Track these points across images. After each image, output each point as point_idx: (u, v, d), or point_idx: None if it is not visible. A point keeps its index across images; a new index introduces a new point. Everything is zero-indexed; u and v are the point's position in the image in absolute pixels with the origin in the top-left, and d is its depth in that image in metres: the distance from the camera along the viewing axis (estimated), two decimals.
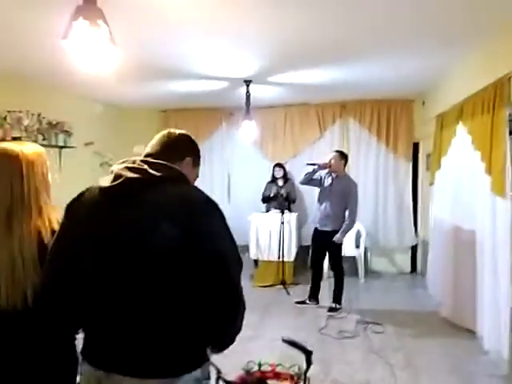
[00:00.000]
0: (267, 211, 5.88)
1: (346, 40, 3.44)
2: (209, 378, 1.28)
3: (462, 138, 3.98)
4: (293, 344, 1.78)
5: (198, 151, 1.43)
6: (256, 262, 5.66)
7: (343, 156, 4.50)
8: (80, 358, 1.30)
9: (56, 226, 1.48)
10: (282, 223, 5.31)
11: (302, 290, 5.01)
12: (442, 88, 4.85)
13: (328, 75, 4.57)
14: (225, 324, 1.21)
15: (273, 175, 5.99)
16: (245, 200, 6.34)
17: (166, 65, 4.08)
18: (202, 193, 1.25)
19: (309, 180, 4.59)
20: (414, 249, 6.15)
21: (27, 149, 1.51)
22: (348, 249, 5.54)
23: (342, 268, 4.57)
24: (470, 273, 3.74)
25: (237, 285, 1.20)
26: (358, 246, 5.85)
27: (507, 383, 3.00)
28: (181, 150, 1.37)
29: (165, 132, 1.42)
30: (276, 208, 5.66)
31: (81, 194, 1.30)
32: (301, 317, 4.36)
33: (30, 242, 1.43)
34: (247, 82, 4.73)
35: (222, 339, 1.26)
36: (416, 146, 6.02)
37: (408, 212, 5.97)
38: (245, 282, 1.27)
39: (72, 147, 5.18)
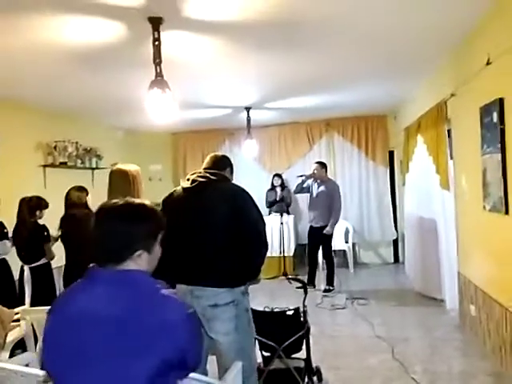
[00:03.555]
0: (268, 214, 6.87)
1: (328, 75, 4.44)
2: (248, 292, 2.26)
3: (421, 147, 5.00)
4: (294, 279, 2.76)
5: (232, 164, 2.44)
6: None
7: (323, 165, 5.65)
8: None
9: None
10: (282, 224, 6.31)
11: (302, 279, 5.97)
12: (407, 106, 5.93)
13: (314, 101, 5.63)
14: (256, 256, 2.21)
15: (272, 183, 7.01)
16: None
17: (182, 98, 5.10)
18: (240, 186, 2.26)
19: (301, 189, 5.74)
20: (395, 242, 7.15)
21: (131, 168, 2.51)
22: (338, 244, 6.55)
23: (332, 256, 5.58)
24: (432, 252, 4.74)
25: (262, 234, 2.20)
26: (347, 242, 6.84)
27: (456, 330, 3.98)
28: (223, 164, 2.38)
29: (212, 154, 2.45)
30: (276, 212, 6.65)
31: (171, 193, 2.31)
32: (301, 297, 5.31)
33: None
34: (247, 109, 5.78)
35: (254, 268, 2.25)
36: (391, 154, 7.08)
37: (388, 210, 7.00)
38: None
39: (102, 168, 6.16)
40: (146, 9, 2.55)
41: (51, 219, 3.80)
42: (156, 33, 2.68)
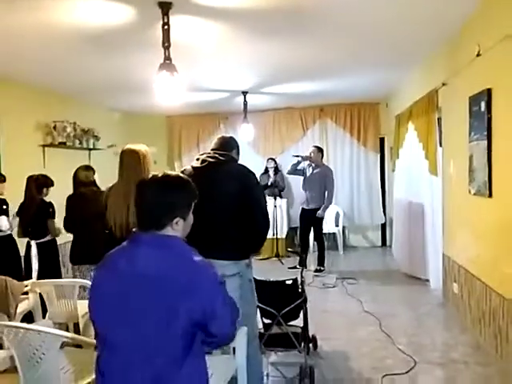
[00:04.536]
0: None
1: (322, 62, 4.58)
2: (251, 265, 2.44)
3: (411, 133, 5.20)
4: (293, 252, 2.95)
5: (239, 146, 2.59)
6: None
7: (320, 150, 5.89)
8: None
9: None
10: (275, 207, 6.50)
11: (293, 260, 6.19)
12: (399, 94, 6.11)
13: (309, 87, 5.76)
14: (259, 232, 2.38)
15: (266, 167, 7.17)
16: None
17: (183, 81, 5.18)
18: (246, 167, 2.42)
19: (294, 170, 5.91)
20: (383, 226, 7.41)
21: (141, 147, 2.64)
22: (329, 227, 6.77)
23: (323, 238, 5.83)
24: (420, 235, 4.99)
25: (265, 210, 2.38)
26: (337, 225, 7.08)
27: (440, 307, 4.25)
28: (230, 145, 2.53)
29: (220, 136, 2.60)
30: (269, 195, 6.81)
31: (181, 172, 2.44)
32: (293, 276, 5.54)
33: None
34: (244, 93, 5.89)
35: (257, 242, 2.42)
36: (382, 141, 7.29)
37: (377, 195, 7.24)
38: None
39: (99, 149, 6.23)
40: None
41: (48, 197, 3.92)
42: (165, 17, 2.78)
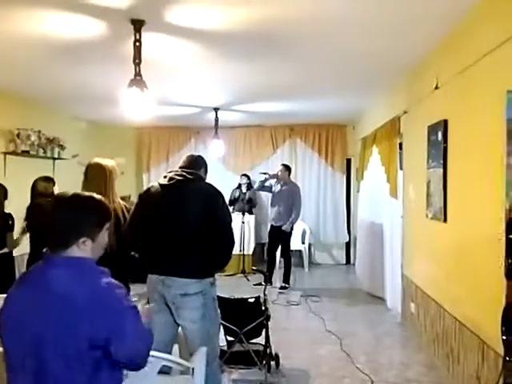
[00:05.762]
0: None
1: (292, 84, 4.71)
2: (215, 284, 2.45)
3: (375, 157, 5.39)
4: (257, 270, 3.00)
5: (207, 164, 2.61)
6: None
7: (287, 168, 6.02)
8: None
9: (123, 207, 2.60)
10: (243, 223, 6.52)
11: (259, 277, 6.20)
12: (364, 118, 6.35)
13: (280, 106, 5.90)
14: (223, 251, 2.40)
15: (239, 183, 7.21)
16: None
17: (153, 95, 5.18)
18: (213, 186, 2.44)
19: (262, 186, 6.07)
20: (348, 245, 7.58)
21: (108, 163, 2.62)
22: (296, 244, 6.86)
23: (290, 256, 5.88)
24: (379, 255, 5.14)
25: (230, 229, 2.40)
26: (303, 242, 7.18)
27: (398, 326, 4.37)
28: (198, 164, 2.55)
29: (188, 154, 2.62)
30: (238, 211, 6.84)
31: (148, 188, 2.45)
32: (258, 294, 5.55)
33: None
34: (216, 110, 5.95)
35: (222, 261, 2.44)
36: (349, 162, 7.51)
37: (342, 215, 7.42)
38: None
39: (64, 159, 6.08)
40: (129, 11, 2.67)
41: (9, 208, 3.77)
42: (137, 34, 2.80)
